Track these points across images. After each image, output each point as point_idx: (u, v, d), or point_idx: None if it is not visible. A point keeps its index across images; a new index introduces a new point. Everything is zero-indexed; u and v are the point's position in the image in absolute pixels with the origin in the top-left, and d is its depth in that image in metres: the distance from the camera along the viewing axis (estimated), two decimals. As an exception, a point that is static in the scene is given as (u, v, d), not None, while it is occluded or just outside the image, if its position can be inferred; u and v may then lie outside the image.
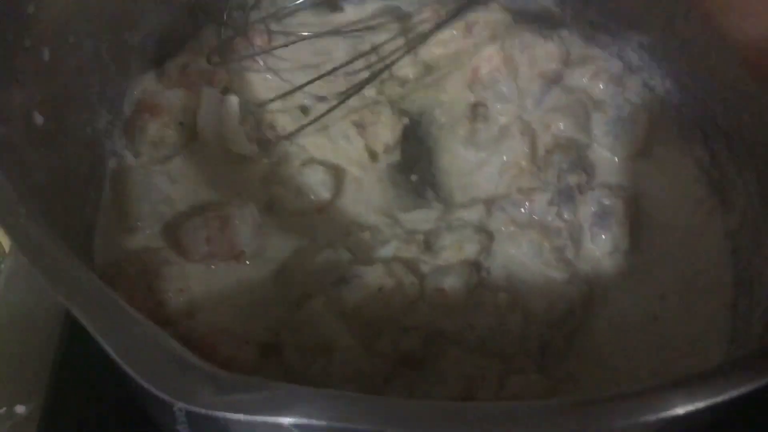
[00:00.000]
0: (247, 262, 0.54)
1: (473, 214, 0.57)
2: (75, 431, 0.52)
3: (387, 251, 0.55)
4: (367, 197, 0.61)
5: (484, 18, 0.69)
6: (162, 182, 0.56)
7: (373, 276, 0.51)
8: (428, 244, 0.55)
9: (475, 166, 0.62)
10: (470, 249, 0.54)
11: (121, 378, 0.49)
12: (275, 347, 0.50)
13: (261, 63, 0.65)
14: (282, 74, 0.64)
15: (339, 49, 0.68)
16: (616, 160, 0.63)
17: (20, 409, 0.49)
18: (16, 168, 0.36)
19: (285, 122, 0.62)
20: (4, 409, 0.49)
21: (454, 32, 0.68)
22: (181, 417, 0.40)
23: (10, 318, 0.53)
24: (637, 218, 0.60)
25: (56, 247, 0.31)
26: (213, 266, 0.53)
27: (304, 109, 0.64)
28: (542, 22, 0.70)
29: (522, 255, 0.55)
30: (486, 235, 0.56)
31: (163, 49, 0.61)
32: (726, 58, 0.59)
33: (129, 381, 0.48)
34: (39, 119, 0.43)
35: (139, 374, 0.27)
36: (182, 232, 0.53)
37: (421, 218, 0.59)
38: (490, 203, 0.58)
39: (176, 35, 0.62)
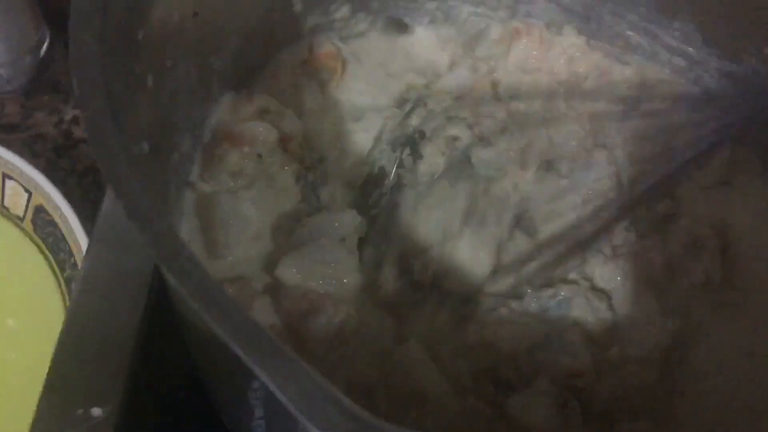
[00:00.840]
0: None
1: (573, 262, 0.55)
2: (151, 433, 0.51)
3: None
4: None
5: (559, 41, 0.68)
6: (247, 208, 0.55)
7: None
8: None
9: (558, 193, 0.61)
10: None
11: (197, 383, 0.49)
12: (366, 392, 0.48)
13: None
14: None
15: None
16: (700, 189, 0.62)
17: (96, 411, 0.48)
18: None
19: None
20: (81, 411, 0.48)
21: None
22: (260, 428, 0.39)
23: (87, 321, 0.52)
24: (727, 249, 0.58)
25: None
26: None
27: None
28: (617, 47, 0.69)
29: (618, 290, 0.54)
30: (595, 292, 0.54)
31: (242, 74, 0.60)
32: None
33: (213, 391, 0.48)
34: (145, 147, 0.41)
35: (315, 424, 0.25)
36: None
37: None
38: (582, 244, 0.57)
39: (254, 60, 0.61)
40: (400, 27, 0.71)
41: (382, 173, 0.61)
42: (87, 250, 0.52)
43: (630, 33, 0.69)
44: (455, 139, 0.63)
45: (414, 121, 0.63)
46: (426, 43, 0.70)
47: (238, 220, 0.53)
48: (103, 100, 0.31)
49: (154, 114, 0.45)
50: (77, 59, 0.32)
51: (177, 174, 0.53)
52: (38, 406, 0.46)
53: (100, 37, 0.34)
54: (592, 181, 0.61)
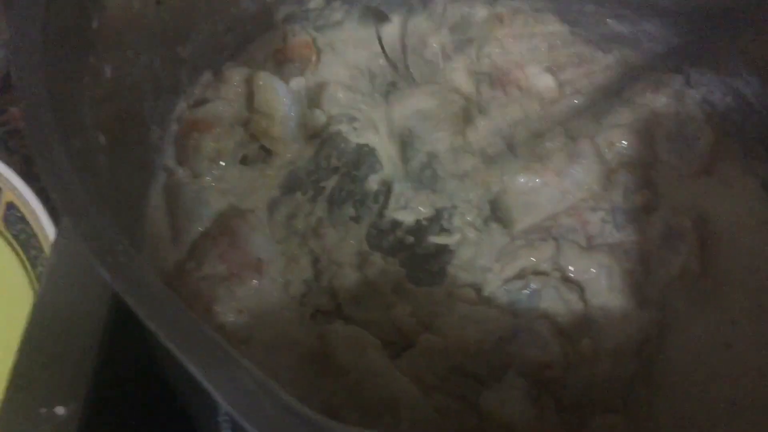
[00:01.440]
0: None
1: (546, 252, 0.54)
2: (115, 432, 0.50)
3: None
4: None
5: (540, 30, 0.67)
6: (212, 197, 0.54)
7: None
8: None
9: (538, 185, 0.60)
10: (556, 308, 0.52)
11: (164, 382, 0.48)
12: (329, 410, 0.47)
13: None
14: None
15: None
16: (680, 178, 0.61)
17: (60, 410, 0.47)
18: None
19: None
20: (45, 410, 0.47)
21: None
22: (226, 426, 0.39)
23: (51, 319, 0.51)
24: (705, 239, 0.58)
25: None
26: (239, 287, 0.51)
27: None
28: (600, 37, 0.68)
29: (592, 282, 0.53)
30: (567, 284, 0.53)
31: (212, 63, 0.59)
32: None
33: (177, 390, 0.47)
34: (102, 139, 0.41)
35: (249, 421, 0.24)
36: (199, 253, 0.51)
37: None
38: (557, 233, 0.56)
39: (225, 49, 0.60)
40: (377, 16, 0.70)
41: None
42: (52, 248, 0.52)
43: (611, 21, 0.68)
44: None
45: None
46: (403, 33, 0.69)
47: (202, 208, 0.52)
48: (43, 92, 0.30)
49: (115, 106, 0.44)
50: (17, 48, 0.31)
51: (143, 165, 0.52)
52: (2, 405, 0.45)
53: (44, 27, 0.33)
54: (574, 171, 0.60)
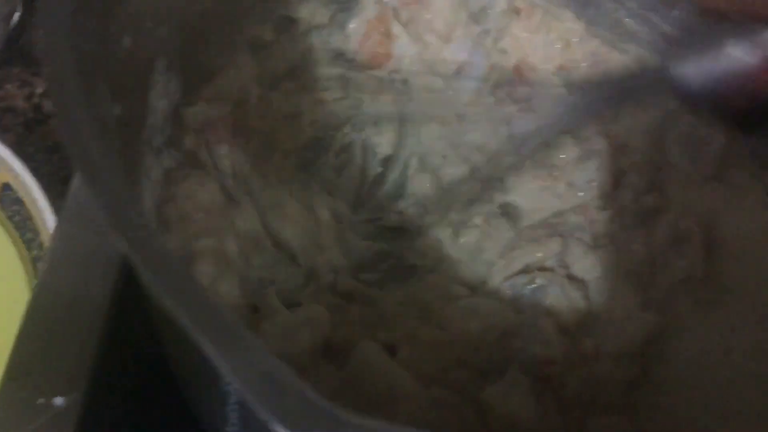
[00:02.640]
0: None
1: (552, 249, 0.54)
2: (115, 425, 0.49)
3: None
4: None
5: (556, 26, 0.67)
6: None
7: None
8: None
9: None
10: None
11: (168, 373, 0.48)
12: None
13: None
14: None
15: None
16: (689, 182, 0.61)
17: (59, 401, 0.47)
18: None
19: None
20: (42, 400, 0.46)
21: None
22: (234, 418, 0.38)
23: (52, 308, 0.51)
24: (711, 245, 0.58)
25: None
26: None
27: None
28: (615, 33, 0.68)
29: (597, 281, 0.53)
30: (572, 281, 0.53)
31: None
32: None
33: (184, 381, 0.47)
34: (117, 109, 0.40)
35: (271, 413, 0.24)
36: None
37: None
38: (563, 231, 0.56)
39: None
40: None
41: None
42: (55, 230, 0.51)
43: (628, 20, 0.68)
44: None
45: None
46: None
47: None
48: (71, 56, 0.30)
49: (129, 77, 0.43)
50: (45, 12, 0.31)
51: (150, 143, 0.52)
52: (-1, 395, 0.44)
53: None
54: (584, 171, 0.60)
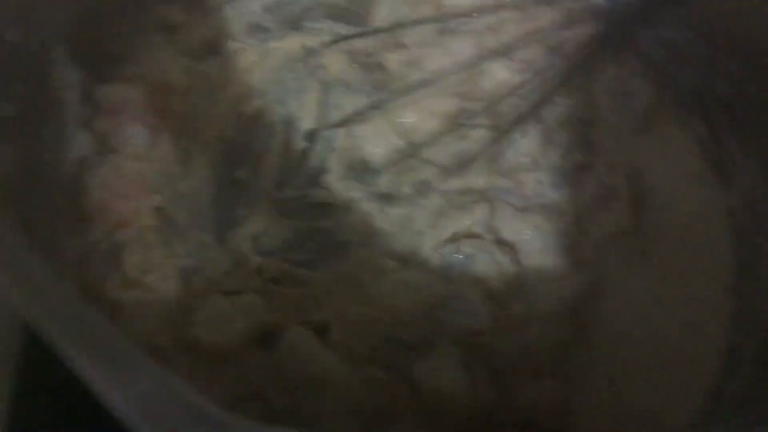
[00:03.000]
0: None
1: (479, 215, 0.53)
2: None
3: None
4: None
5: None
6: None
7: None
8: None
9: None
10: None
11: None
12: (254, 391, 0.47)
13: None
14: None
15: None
16: (618, 136, 0.61)
17: None
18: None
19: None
20: None
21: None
22: None
23: None
24: (639, 197, 0.58)
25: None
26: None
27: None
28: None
29: (526, 243, 0.53)
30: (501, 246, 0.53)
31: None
32: (729, 25, 0.57)
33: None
34: (8, 109, 0.38)
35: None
36: None
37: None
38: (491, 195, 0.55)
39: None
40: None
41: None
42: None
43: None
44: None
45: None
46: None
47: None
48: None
49: (21, 72, 0.41)
50: None
51: (56, 142, 0.50)
52: None
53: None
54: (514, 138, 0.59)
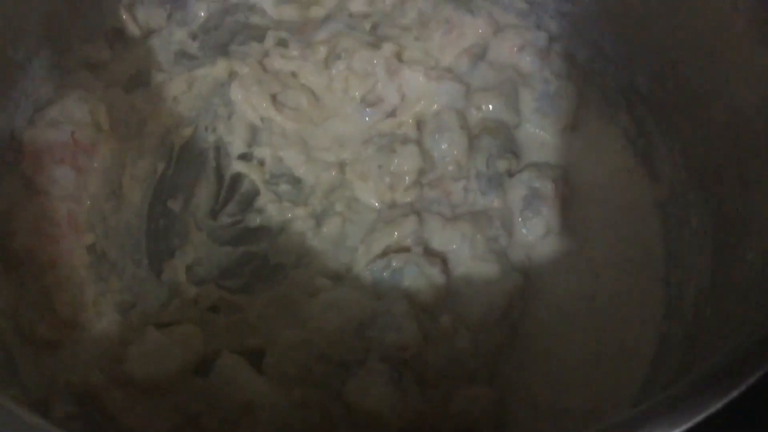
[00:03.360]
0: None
1: (408, 228, 0.54)
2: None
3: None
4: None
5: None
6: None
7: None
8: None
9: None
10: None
11: None
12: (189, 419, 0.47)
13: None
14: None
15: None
16: (545, 138, 0.62)
17: None
18: None
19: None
20: None
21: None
22: None
23: None
24: (567, 196, 0.59)
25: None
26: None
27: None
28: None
29: (456, 252, 0.54)
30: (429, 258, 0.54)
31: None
32: (649, 23, 0.58)
33: None
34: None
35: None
36: None
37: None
38: (420, 207, 0.56)
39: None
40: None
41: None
42: None
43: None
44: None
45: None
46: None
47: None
48: None
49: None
50: None
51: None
52: None
53: None
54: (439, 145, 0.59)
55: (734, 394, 0.32)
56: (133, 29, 0.61)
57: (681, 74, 0.56)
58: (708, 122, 0.52)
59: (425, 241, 0.54)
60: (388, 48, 0.62)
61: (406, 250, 0.53)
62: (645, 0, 0.57)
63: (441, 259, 0.53)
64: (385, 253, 0.53)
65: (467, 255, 0.54)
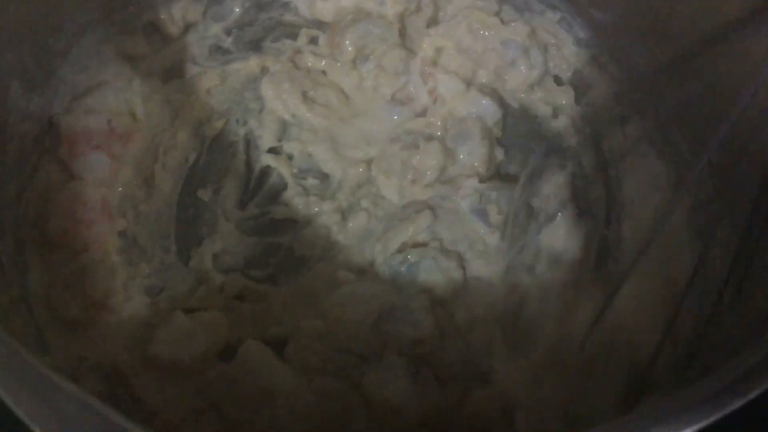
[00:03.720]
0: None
1: (422, 223, 0.55)
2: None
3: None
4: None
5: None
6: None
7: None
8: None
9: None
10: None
11: None
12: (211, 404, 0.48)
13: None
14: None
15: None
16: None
17: None
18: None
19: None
20: None
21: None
22: None
23: None
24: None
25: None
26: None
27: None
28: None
29: (467, 249, 0.55)
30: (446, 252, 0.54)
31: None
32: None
33: None
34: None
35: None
36: None
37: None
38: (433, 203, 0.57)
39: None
40: None
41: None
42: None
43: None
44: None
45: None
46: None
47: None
48: None
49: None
50: None
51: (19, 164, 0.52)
52: None
53: None
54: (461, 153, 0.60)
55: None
56: (170, 25, 0.62)
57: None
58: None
59: (439, 236, 0.55)
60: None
61: (423, 245, 0.54)
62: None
63: (457, 253, 0.54)
64: (401, 249, 0.54)
65: (478, 252, 0.55)
